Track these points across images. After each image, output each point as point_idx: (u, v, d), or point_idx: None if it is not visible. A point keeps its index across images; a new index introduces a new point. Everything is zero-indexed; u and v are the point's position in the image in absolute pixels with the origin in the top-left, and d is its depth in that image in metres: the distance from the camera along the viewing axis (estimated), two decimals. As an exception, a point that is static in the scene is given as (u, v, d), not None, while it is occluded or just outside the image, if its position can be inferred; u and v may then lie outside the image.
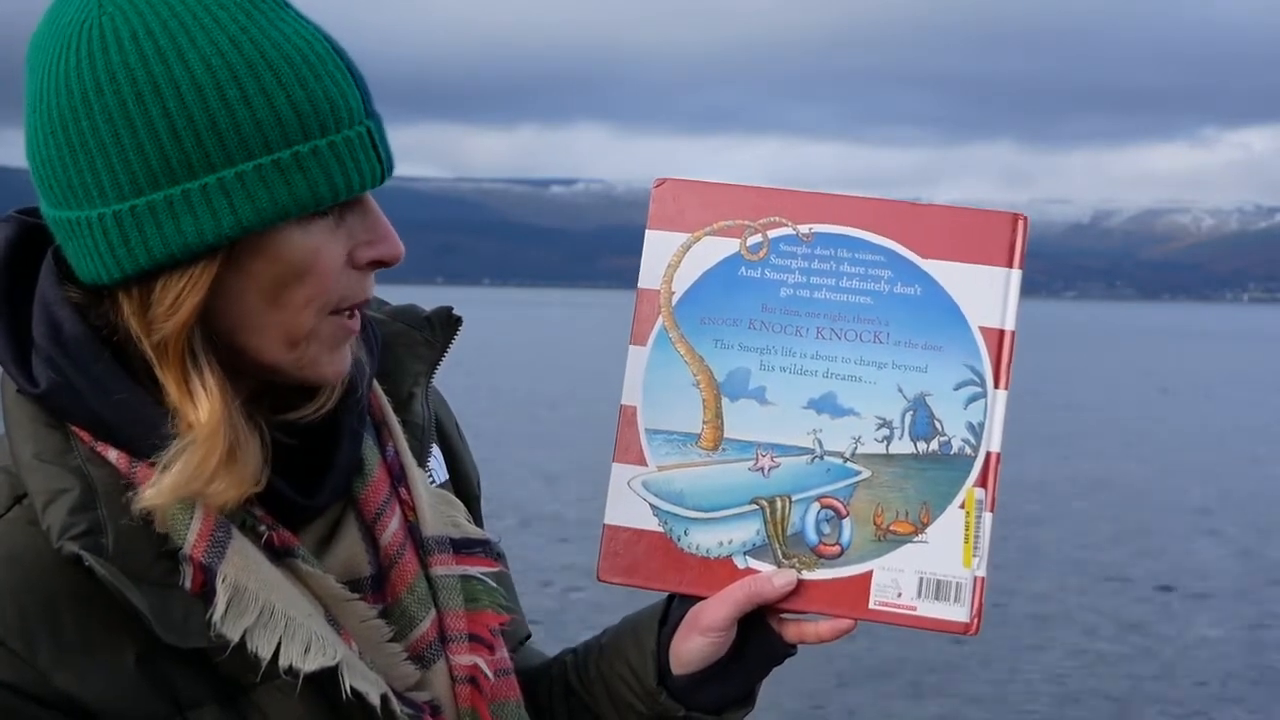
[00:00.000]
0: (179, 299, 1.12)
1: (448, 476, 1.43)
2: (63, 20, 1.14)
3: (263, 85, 1.11)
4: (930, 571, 1.34)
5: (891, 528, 1.35)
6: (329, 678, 1.16)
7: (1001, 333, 1.35)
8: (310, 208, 1.13)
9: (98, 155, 1.11)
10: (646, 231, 1.40)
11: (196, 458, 1.12)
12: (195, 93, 1.09)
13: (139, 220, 1.11)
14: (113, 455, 1.15)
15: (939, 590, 1.34)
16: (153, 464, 1.14)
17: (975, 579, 1.34)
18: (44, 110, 1.13)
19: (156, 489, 1.12)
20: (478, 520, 1.43)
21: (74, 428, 1.16)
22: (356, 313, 1.22)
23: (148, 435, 1.14)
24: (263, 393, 1.21)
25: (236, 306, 1.15)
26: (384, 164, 1.17)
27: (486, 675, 1.29)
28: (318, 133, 1.12)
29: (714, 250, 1.39)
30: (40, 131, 1.14)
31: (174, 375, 1.13)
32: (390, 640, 1.24)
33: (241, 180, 1.11)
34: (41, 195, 1.17)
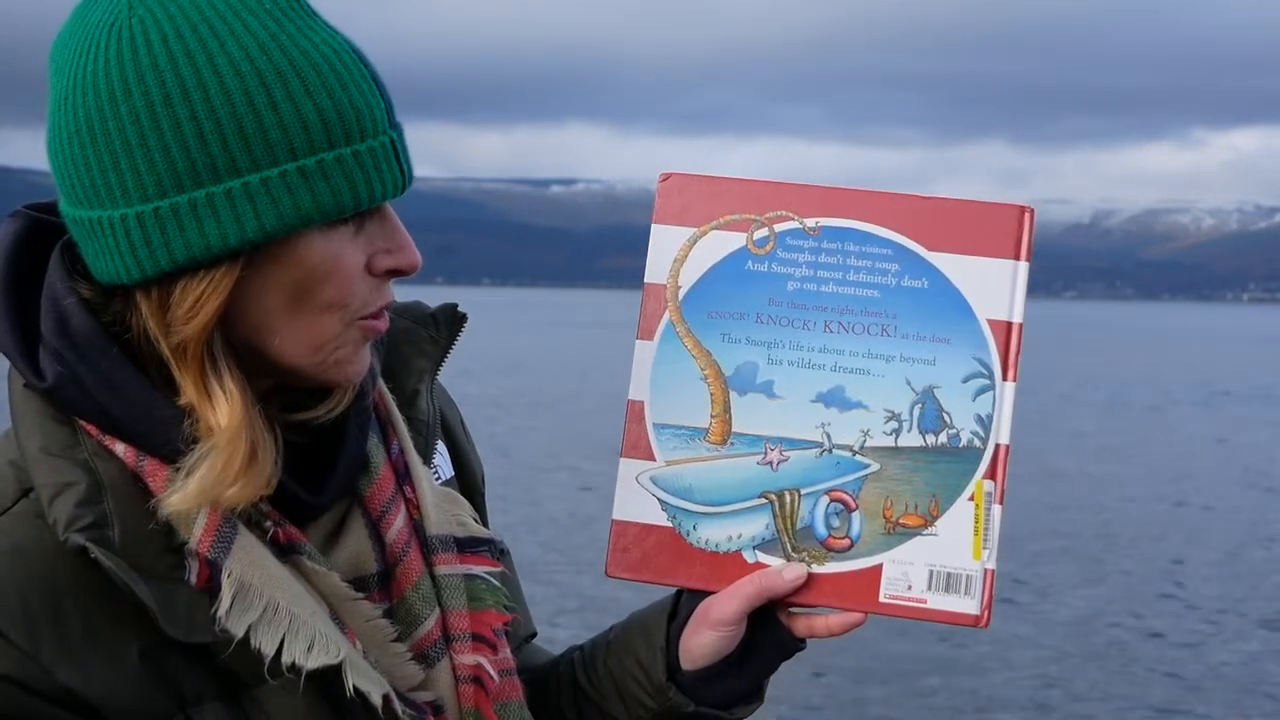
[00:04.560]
0: (199, 302, 1.12)
1: (453, 473, 1.42)
2: (91, 20, 1.13)
3: (290, 92, 1.10)
4: (940, 564, 1.33)
5: (901, 521, 1.34)
6: (332, 676, 1.15)
7: (1009, 325, 1.35)
8: (333, 215, 1.13)
9: (123, 156, 1.10)
10: (652, 226, 1.40)
11: (220, 462, 1.11)
12: (223, 97, 1.09)
13: (162, 222, 1.10)
14: (120, 449, 1.15)
15: (949, 583, 1.33)
16: (162, 459, 1.14)
17: (985, 571, 1.33)
18: (69, 109, 1.12)
19: (182, 494, 1.12)
20: (483, 516, 1.42)
21: (81, 421, 1.15)
22: (383, 312, 1.22)
23: (157, 432, 1.14)
24: (274, 392, 1.21)
25: (256, 310, 1.15)
26: (405, 174, 1.18)
27: (490, 675, 1.29)
28: (343, 141, 1.12)
29: (721, 244, 1.38)
30: (64, 130, 1.13)
31: (193, 377, 1.13)
32: (394, 639, 1.23)
33: (266, 186, 1.10)
34: (62, 194, 1.16)
